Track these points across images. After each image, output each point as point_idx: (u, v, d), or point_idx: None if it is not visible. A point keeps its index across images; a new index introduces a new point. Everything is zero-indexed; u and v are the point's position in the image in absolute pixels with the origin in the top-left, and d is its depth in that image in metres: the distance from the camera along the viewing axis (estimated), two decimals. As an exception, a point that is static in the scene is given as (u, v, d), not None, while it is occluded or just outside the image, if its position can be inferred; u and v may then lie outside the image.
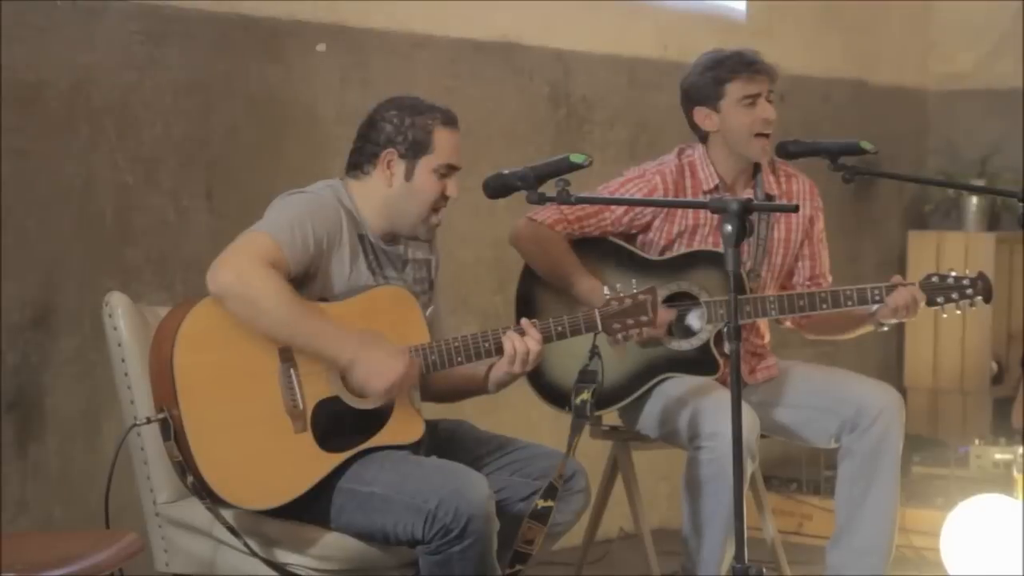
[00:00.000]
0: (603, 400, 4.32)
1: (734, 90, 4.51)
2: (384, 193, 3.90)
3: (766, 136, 4.52)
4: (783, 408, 4.61)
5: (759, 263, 4.62)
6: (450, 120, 3.93)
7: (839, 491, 4.55)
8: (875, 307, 4.48)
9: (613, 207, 4.53)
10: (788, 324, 4.76)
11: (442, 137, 3.90)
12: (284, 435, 3.70)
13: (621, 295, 3.98)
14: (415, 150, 3.88)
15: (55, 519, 4.66)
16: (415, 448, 3.85)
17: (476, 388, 4.03)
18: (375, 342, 3.73)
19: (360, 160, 3.93)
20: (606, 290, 4.01)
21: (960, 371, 7.30)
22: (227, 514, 3.70)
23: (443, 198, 3.92)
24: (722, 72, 4.52)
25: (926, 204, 7.65)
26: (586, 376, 3.99)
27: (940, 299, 4.49)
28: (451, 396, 4.11)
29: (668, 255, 4.56)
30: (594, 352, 3.98)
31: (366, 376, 3.72)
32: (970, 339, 7.26)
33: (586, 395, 3.97)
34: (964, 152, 7.56)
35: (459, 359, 3.84)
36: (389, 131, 3.89)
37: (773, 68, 4.55)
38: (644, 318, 3.97)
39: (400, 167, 3.89)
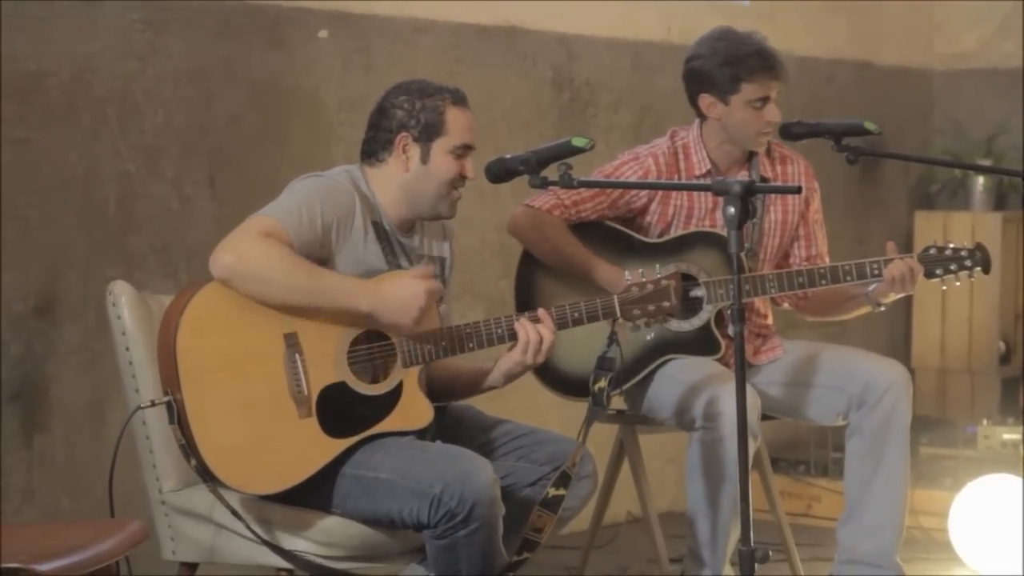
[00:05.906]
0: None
1: (748, 90, 4.48)
2: (401, 178, 3.88)
3: (767, 132, 4.53)
4: (789, 387, 4.60)
5: (756, 244, 4.61)
6: (460, 99, 3.91)
7: (848, 469, 4.53)
8: (872, 286, 4.47)
9: (609, 191, 4.52)
10: (786, 305, 4.75)
11: (454, 117, 3.88)
12: (288, 420, 3.69)
13: (643, 280, 3.95)
14: (429, 132, 3.87)
15: (61, 508, 4.66)
16: (421, 433, 3.84)
17: (480, 387, 4.00)
18: (386, 281, 3.73)
19: (375, 148, 3.91)
20: (628, 275, 3.99)
21: (968, 351, 7.29)
22: (232, 499, 3.69)
23: (461, 178, 3.90)
24: (741, 71, 4.47)
25: (932, 184, 7.63)
26: (604, 364, 3.97)
27: (939, 270, 4.47)
28: (449, 396, 4.03)
29: (666, 237, 4.55)
30: (612, 339, 3.95)
31: (392, 318, 3.72)
32: (977, 319, 7.25)
33: (603, 383, 3.95)
34: (970, 132, 7.55)
35: (470, 345, 3.84)
36: (401, 116, 3.87)
37: (787, 71, 4.53)
38: (666, 304, 3.93)
39: (415, 151, 3.88)
